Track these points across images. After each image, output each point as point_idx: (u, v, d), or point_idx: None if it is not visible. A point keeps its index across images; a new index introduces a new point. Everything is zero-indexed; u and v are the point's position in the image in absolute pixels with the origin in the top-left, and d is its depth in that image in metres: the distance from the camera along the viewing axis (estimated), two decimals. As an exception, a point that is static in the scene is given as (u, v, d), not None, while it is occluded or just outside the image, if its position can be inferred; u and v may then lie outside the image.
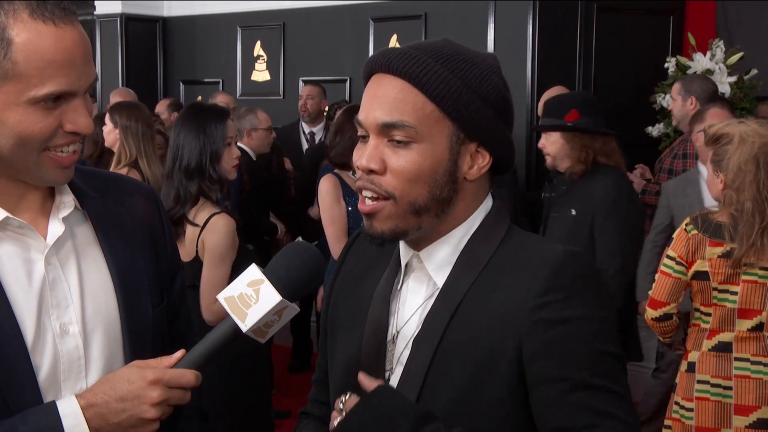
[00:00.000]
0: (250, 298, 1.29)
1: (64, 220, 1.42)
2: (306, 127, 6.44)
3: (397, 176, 1.31)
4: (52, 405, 1.30)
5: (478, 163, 1.36)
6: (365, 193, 1.34)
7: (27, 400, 1.32)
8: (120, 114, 4.16)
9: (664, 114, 5.52)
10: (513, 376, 1.28)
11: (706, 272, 2.90)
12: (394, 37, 6.84)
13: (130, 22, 8.28)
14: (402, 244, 1.42)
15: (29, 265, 1.37)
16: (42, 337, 1.36)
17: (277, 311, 1.30)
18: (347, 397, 1.31)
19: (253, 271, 1.31)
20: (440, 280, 1.37)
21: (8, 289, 1.34)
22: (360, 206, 1.36)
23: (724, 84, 5.48)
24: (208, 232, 2.97)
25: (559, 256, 1.31)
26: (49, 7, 1.29)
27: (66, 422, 1.28)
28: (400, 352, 1.38)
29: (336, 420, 1.31)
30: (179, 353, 1.33)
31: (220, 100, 6.02)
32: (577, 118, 3.64)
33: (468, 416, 1.30)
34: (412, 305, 1.40)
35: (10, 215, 1.37)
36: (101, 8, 8.35)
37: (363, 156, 1.33)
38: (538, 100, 5.75)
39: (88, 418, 1.28)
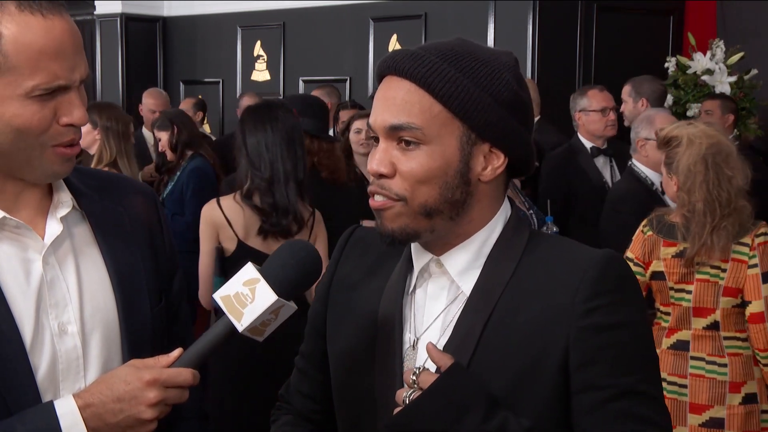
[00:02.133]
0: (246, 298, 1.29)
1: (62, 219, 1.41)
2: None
3: (407, 179, 1.30)
4: (50, 405, 1.30)
5: (492, 164, 1.33)
6: (376, 197, 1.33)
7: (25, 400, 1.32)
8: (100, 115, 4.17)
9: (664, 114, 5.52)
10: (557, 384, 1.26)
11: (662, 272, 2.97)
12: (394, 37, 6.84)
13: (130, 22, 8.29)
14: (416, 247, 1.40)
15: (27, 264, 1.37)
16: (40, 336, 1.35)
17: (273, 310, 1.29)
18: (420, 370, 1.27)
19: (249, 270, 1.31)
20: (466, 285, 1.35)
21: (6, 289, 1.34)
22: (370, 202, 1.34)
23: (724, 84, 5.48)
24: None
25: (601, 260, 1.29)
26: None
27: (63, 422, 1.27)
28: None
29: (406, 393, 1.27)
30: (176, 352, 1.32)
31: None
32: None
33: None
34: (432, 310, 1.37)
35: (7, 215, 1.36)
36: (101, 8, 8.36)
37: (373, 160, 1.32)
38: (538, 100, 5.76)
39: (85, 418, 1.28)
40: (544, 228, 3.82)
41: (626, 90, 4.97)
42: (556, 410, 1.27)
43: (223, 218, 3.13)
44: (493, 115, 1.30)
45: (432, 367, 1.30)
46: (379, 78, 1.36)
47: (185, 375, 1.31)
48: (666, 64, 5.72)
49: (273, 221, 3.13)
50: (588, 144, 4.54)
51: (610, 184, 4.45)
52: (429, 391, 1.23)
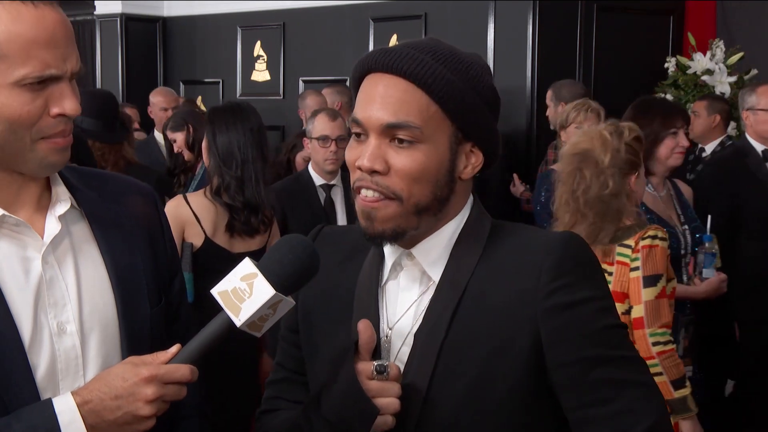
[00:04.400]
0: (244, 293, 1.28)
1: (61, 218, 1.41)
2: None
3: (403, 177, 1.31)
4: (48, 402, 1.29)
5: (471, 162, 1.38)
6: (366, 192, 1.33)
7: (24, 399, 1.31)
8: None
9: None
10: (527, 364, 1.30)
11: None
12: (394, 37, 6.83)
13: (130, 22, 8.29)
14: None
15: (26, 263, 1.37)
16: (39, 335, 1.35)
17: (271, 305, 1.29)
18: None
19: (246, 265, 1.31)
20: (435, 274, 1.38)
21: (5, 287, 1.34)
22: (361, 202, 1.35)
23: (724, 84, 5.48)
24: None
25: (561, 241, 1.34)
26: None
27: (62, 419, 1.27)
28: (398, 348, 1.38)
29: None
30: (174, 348, 1.32)
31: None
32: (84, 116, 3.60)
33: (480, 407, 1.31)
34: (404, 301, 1.40)
35: (6, 213, 1.36)
36: (101, 8, 8.35)
37: (364, 156, 1.32)
38: (538, 100, 5.77)
39: (83, 415, 1.28)
40: (701, 251, 3.35)
41: (548, 95, 5.07)
42: (529, 386, 1.31)
43: (191, 214, 3.16)
44: (480, 116, 1.35)
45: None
46: (362, 74, 1.37)
47: (183, 371, 1.30)
48: (666, 64, 5.72)
49: (243, 219, 3.18)
50: (759, 147, 4.13)
51: None
52: None
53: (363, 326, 1.34)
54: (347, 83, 7.19)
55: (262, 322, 1.31)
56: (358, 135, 1.36)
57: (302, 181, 3.92)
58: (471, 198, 1.43)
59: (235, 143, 3.16)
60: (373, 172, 1.32)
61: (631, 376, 1.31)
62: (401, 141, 1.31)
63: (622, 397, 1.29)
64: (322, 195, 3.87)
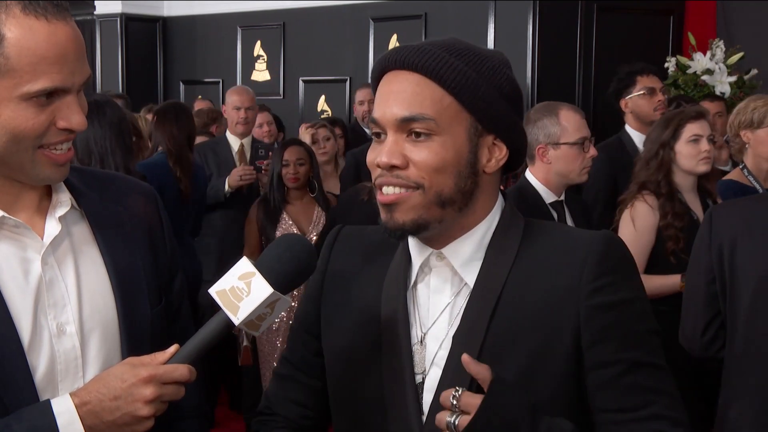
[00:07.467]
0: (242, 291, 1.28)
1: (61, 219, 1.41)
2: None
3: (422, 168, 1.31)
4: (47, 403, 1.29)
5: (495, 155, 1.36)
6: (387, 189, 1.33)
7: (23, 400, 1.31)
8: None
9: (664, 114, 5.52)
10: (570, 362, 1.29)
11: None
12: (394, 37, 6.84)
13: (130, 22, 8.30)
14: (415, 242, 1.40)
15: (26, 264, 1.37)
16: (38, 336, 1.35)
17: (269, 304, 1.29)
18: (460, 393, 1.26)
19: (244, 264, 1.31)
20: (469, 276, 1.36)
21: (4, 288, 1.33)
22: (380, 197, 1.34)
23: (724, 84, 5.48)
24: None
25: (602, 240, 1.33)
26: (42, 3, 1.29)
27: (60, 420, 1.27)
28: (434, 353, 1.36)
29: (450, 418, 1.26)
30: (172, 348, 1.32)
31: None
32: None
33: None
34: (437, 304, 1.38)
35: (6, 214, 1.36)
36: (101, 8, 8.37)
37: (382, 153, 1.32)
38: (538, 100, 5.76)
39: (82, 416, 1.28)
40: None
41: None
42: (571, 387, 1.30)
43: None
44: (498, 107, 1.33)
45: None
46: (379, 74, 1.37)
47: (181, 371, 1.30)
48: (666, 64, 5.72)
49: None
50: None
51: None
52: (478, 415, 1.23)
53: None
54: (347, 83, 7.20)
55: (260, 321, 1.31)
56: (378, 135, 1.35)
57: None
58: (501, 198, 1.41)
59: (91, 138, 3.18)
60: (392, 167, 1.31)
61: (663, 385, 1.31)
62: (418, 134, 1.31)
63: (654, 404, 1.29)
64: None
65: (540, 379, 1.29)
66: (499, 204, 1.40)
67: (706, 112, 3.51)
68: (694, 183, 3.40)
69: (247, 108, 5.20)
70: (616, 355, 1.29)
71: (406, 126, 1.31)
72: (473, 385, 1.28)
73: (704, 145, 3.33)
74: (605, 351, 1.29)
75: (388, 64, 1.35)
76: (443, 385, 1.31)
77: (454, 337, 1.33)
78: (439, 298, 1.38)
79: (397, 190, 1.32)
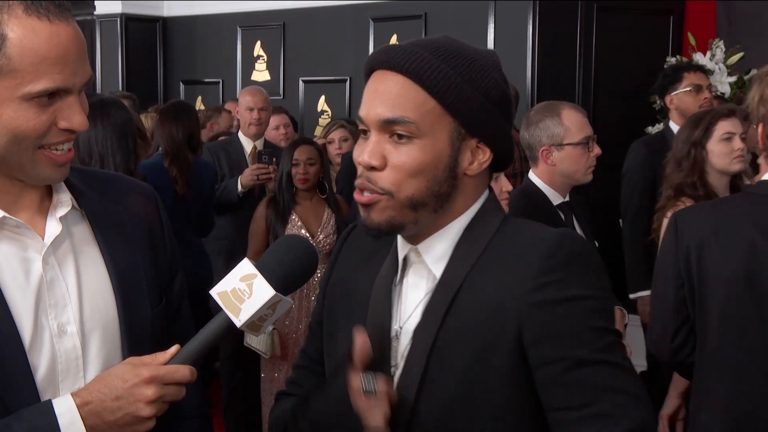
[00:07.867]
0: (244, 293, 1.29)
1: (62, 219, 1.41)
2: None
3: (398, 171, 1.32)
4: (48, 403, 1.30)
5: (478, 158, 1.37)
6: (364, 193, 1.35)
7: (24, 400, 1.31)
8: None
9: (664, 114, 5.51)
10: (514, 361, 1.29)
11: None
12: (394, 37, 6.84)
13: (130, 22, 8.29)
14: (399, 239, 1.43)
15: (27, 264, 1.37)
16: (39, 336, 1.35)
17: (270, 305, 1.29)
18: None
19: (245, 266, 1.31)
20: (439, 272, 1.38)
21: (5, 288, 1.34)
22: (356, 196, 1.37)
23: (724, 84, 5.48)
24: None
25: (554, 237, 1.32)
26: (44, 3, 1.29)
27: (62, 420, 1.27)
28: (405, 347, 1.38)
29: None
30: (173, 349, 1.32)
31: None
32: None
33: (468, 405, 1.31)
34: (413, 300, 1.40)
35: (7, 215, 1.36)
36: (101, 8, 8.36)
37: (364, 152, 1.34)
38: (538, 100, 5.76)
39: (83, 416, 1.28)
40: None
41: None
42: (522, 386, 1.29)
43: None
44: (483, 111, 1.34)
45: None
46: (368, 72, 1.38)
47: (183, 371, 1.31)
48: (666, 65, 5.71)
49: None
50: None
51: None
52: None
53: (357, 335, 1.33)
54: (347, 83, 7.20)
55: (261, 322, 1.31)
56: (364, 132, 1.37)
57: None
58: (484, 195, 1.42)
59: (93, 138, 3.17)
60: (371, 168, 1.33)
61: (614, 382, 1.26)
62: (400, 137, 1.32)
63: (603, 402, 1.25)
64: None
65: (485, 372, 1.29)
66: (479, 201, 1.41)
67: (738, 110, 3.37)
68: (727, 183, 3.30)
69: (260, 109, 5.07)
70: (560, 352, 1.26)
71: (389, 127, 1.32)
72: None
73: (737, 142, 3.23)
74: (547, 348, 1.27)
75: (375, 63, 1.36)
76: (403, 377, 1.35)
77: (413, 332, 1.36)
78: (415, 294, 1.40)
79: (368, 193, 1.34)
